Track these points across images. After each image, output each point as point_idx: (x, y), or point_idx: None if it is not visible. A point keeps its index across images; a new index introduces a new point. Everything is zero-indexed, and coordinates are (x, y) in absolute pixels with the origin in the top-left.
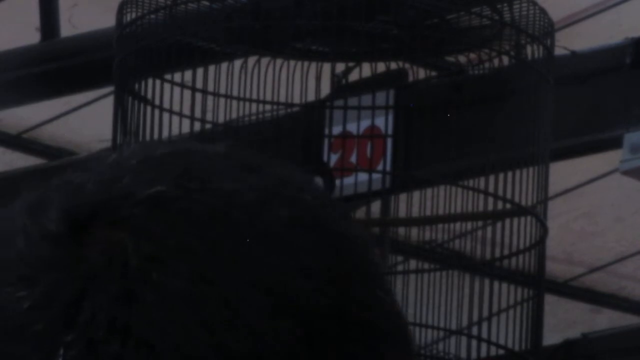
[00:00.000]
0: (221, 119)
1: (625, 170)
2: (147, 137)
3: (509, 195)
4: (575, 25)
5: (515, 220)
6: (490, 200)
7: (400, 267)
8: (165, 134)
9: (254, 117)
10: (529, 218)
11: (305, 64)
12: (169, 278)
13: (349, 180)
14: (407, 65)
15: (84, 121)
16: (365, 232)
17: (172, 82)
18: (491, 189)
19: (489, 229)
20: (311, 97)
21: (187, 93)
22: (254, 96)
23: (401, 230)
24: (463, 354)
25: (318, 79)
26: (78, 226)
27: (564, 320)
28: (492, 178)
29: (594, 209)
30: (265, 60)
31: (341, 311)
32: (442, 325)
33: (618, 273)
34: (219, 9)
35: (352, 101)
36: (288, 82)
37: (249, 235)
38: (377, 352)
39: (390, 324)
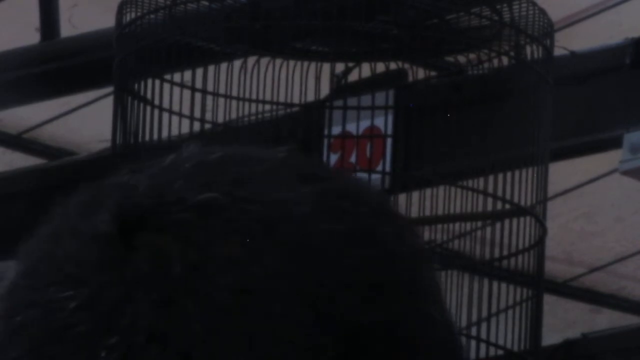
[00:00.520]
0: (221, 119)
1: (625, 170)
2: (147, 137)
3: (508, 196)
4: (575, 25)
5: (515, 220)
6: (490, 200)
7: None
8: (165, 134)
9: (253, 117)
10: (528, 218)
11: (305, 64)
12: (211, 288)
13: None
14: (407, 65)
15: (84, 121)
16: (424, 247)
17: (172, 82)
18: (491, 189)
19: (489, 229)
20: (311, 97)
21: (187, 93)
22: (254, 96)
23: None
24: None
25: (318, 79)
26: (128, 229)
27: (563, 320)
28: (491, 178)
29: (593, 209)
30: (264, 60)
31: (386, 329)
32: None
33: (618, 273)
34: (219, 9)
35: (352, 101)
36: (287, 82)
37: (296, 248)
38: None
39: (438, 344)
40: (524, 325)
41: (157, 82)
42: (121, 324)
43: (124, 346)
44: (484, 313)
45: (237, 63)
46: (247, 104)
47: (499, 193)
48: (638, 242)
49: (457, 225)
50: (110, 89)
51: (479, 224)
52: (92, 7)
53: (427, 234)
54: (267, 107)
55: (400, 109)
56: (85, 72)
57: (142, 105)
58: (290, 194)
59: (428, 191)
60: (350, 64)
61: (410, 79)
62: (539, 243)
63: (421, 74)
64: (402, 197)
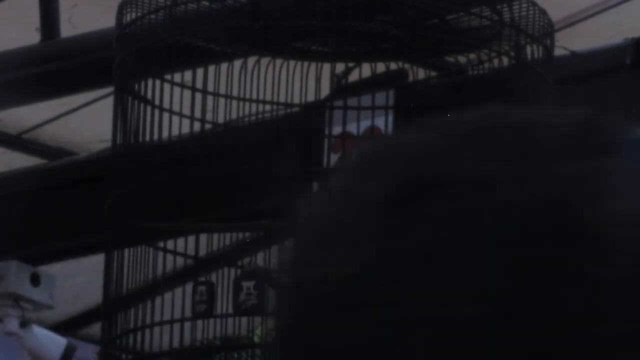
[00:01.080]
0: (221, 119)
1: None
2: (147, 137)
3: None
4: (575, 25)
5: None
6: None
7: None
8: (165, 134)
9: (254, 117)
10: None
11: (305, 64)
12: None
13: None
14: (407, 65)
15: (84, 121)
16: None
17: (172, 82)
18: None
19: None
20: (311, 97)
21: (187, 93)
22: (254, 96)
23: None
24: None
25: (318, 79)
26: (407, 197)
27: None
28: None
29: None
30: (265, 61)
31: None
32: None
33: None
34: (219, 9)
35: (352, 101)
36: (288, 82)
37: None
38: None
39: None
40: None
41: (158, 82)
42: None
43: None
44: None
45: (238, 63)
46: (247, 104)
47: None
48: None
49: None
50: (110, 89)
51: None
52: (92, 7)
53: None
54: (268, 107)
55: (401, 109)
56: (86, 72)
57: (142, 105)
58: (583, 168)
59: None
60: (351, 64)
61: (411, 79)
62: None
63: (421, 74)
64: None
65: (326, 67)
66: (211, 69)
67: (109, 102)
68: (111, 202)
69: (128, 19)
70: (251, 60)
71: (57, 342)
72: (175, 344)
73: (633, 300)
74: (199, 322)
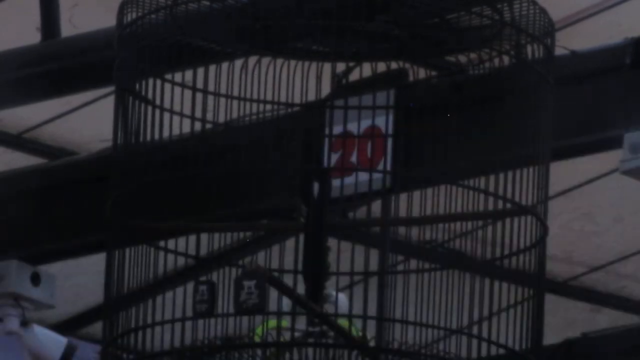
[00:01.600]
0: (221, 119)
1: (625, 170)
2: (148, 137)
3: (509, 195)
4: (575, 25)
5: (516, 219)
6: (490, 200)
7: (400, 267)
8: (165, 133)
9: (254, 117)
10: (529, 218)
11: (306, 63)
12: None
13: (349, 180)
14: (407, 65)
15: (85, 121)
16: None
17: (172, 82)
18: (491, 188)
19: (489, 228)
20: (311, 97)
21: (188, 93)
22: (255, 96)
23: (401, 230)
24: (463, 354)
25: (319, 78)
26: None
27: (564, 320)
28: (492, 178)
29: (593, 208)
30: (265, 60)
31: None
32: (442, 324)
33: (618, 273)
34: (219, 9)
35: (352, 101)
36: (288, 82)
37: None
38: None
39: None
40: (525, 324)
41: (158, 82)
42: None
43: None
44: (485, 312)
45: (238, 63)
46: (248, 104)
47: (500, 192)
48: (638, 242)
49: (458, 224)
50: (110, 89)
51: (480, 223)
52: (93, 7)
53: (428, 233)
54: (268, 107)
55: (401, 109)
56: (86, 72)
57: (143, 105)
58: None
59: (429, 190)
60: (351, 64)
61: (411, 79)
62: (540, 242)
63: (421, 74)
64: (402, 197)
65: (327, 67)
66: (212, 68)
67: (110, 102)
68: (111, 202)
69: (129, 19)
70: (252, 60)
71: (57, 342)
72: (177, 343)
73: None
74: (200, 322)
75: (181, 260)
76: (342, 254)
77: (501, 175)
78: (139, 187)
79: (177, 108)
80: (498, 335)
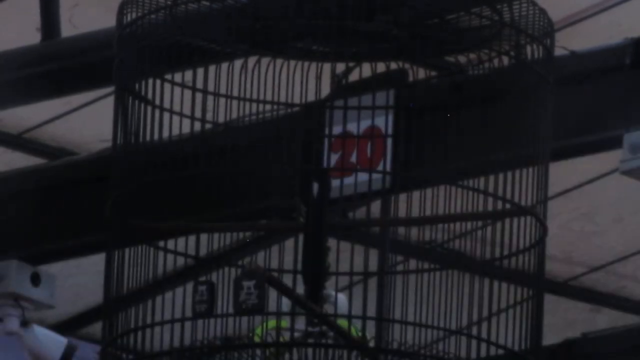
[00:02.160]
0: (221, 119)
1: (625, 170)
2: (148, 137)
3: (508, 195)
4: (575, 25)
5: (515, 220)
6: (490, 200)
7: (400, 267)
8: (165, 134)
9: (254, 117)
10: (528, 218)
11: (306, 64)
12: None
13: (349, 180)
14: (407, 65)
15: (84, 121)
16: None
17: (172, 82)
18: (491, 189)
19: (489, 229)
20: (311, 97)
21: (187, 93)
22: (254, 96)
23: (401, 230)
24: (463, 354)
25: (318, 78)
26: None
27: (563, 320)
28: (492, 178)
29: (593, 209)
30: (265, 60)
31: None
32: (442, 325)
33: (618, 273)
34: (219, 9)
35: (352, 101)
36: (288, 82)
37: None
38: None
39: None
40: (525, 324)
41: (158, 82)
42: None
43: None
44: (485, 313)
45: (238, 63)
46: (247, 104)
47: (500, 193)
48: (638, 242)
49: (457, 225)
50: (110, 89)
51: (479, 223)
52: (93, 7)
53: (427, 233)
54: (268, 107)
55: (401, 109)
56: (86, 72)
57: (142, 105)
58: None
59: (428, 191)
60: (351, 64)
61: (411, 79)
62: (540, 243)
63: (421, 74)
64: (402, 197)
65: (326, 67)
66: (211, 68)
67: (109, 102)
68: (111, 202)
69: (128, 19)
70: (252, 60)
71: (57, 342)
72: (176, 343)
73: None
74: (200, 322)
75: (181, 261)
76: (342, 254)
77: (501, 176)
78: (139, 187)
79: (177, 108)
80: (497, 336)
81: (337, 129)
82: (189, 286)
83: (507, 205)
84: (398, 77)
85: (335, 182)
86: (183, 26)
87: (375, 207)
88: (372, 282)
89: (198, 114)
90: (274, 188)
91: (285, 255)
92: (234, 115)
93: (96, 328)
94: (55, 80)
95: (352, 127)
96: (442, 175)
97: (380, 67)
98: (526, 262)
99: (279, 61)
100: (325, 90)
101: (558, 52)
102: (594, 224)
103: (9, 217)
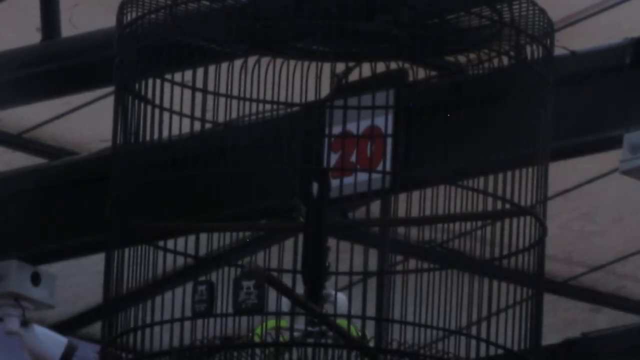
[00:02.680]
0: (221, 119)
1: (625, 170)
2: (148, 137)
3: (508, 195)
4: (575, 25)
5: (515, 220)
6: (490, 200)
7: (400, 267)
8: (165, 133)
9: (254, 117)
10: (528, 218)
11: (305, 63)
12: None
13: (348, 180)
14: (407, 65)
15: (85, 121)
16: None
17: (172, 82)
18: (491, 189)
19: (489, 229)
20: (311, 97)
21: (187, 93)
22: (254, 96)
23: (401, 230)
24: (462, 354)
25: (318, 78)
26: None
27: (563, 320)
28: (491, 178)
29: (593, 208)
30: (265, 60)
31: None
32: (441, 325)
33: (618, 273)
34: (219, 9)
35: (352, 101)
36: (288, 82)
37: None
38: None
39: None
40: (525, 324)
41: (158, 81)
42: None
43: None
44: (484, 313)
45: (238, 63)
46: (247, 104)
47: (499, 193)
48: (638, 242)
49: (457, 225)
50: (110, 89)
51: (479, 223)
52: (93, 7)
53: (427, 233)
54: (268, 107)
55: (401, 108)
56: (86, 72)
57: (142, 105)
58: None
59: (428, 191)
60: (351, 64)
61: (411, 79)
62: (539, 242)
63: (421, 74)
64: (402, 197)
65: (326, 67)
66: (211, 68)
67: (109, 102)
68: (111, 202)
69: (128, 18)
70: (251, 60)
71: (57, 342)
72: (176, 343)
73: None
74: (199, 322)
75: (181, 260)
76: (341, 254)
77: (500, 176)
78: (139, 187)
79: (176, 108)
80: (497, 336)
81: (337, 129)
82: (189, 286)
83: (507, 205)
84: (398, 77)
85: (335, 182)
86: (183, 26)
87: (375, 207)
88: (372, 282)
89: (198, 113)
90: (274, 188)
91: (285, 255)
92: (234, 115)
93: (96, 328)
94: (55, 80)
95: (352, 127)
96: (442, 175)
97: (380, 67)
98: (526, 262)
99: (278, 61)
100: (325, 90)
101: (558, 52)
102: (594, 224)
103: (9, 217)
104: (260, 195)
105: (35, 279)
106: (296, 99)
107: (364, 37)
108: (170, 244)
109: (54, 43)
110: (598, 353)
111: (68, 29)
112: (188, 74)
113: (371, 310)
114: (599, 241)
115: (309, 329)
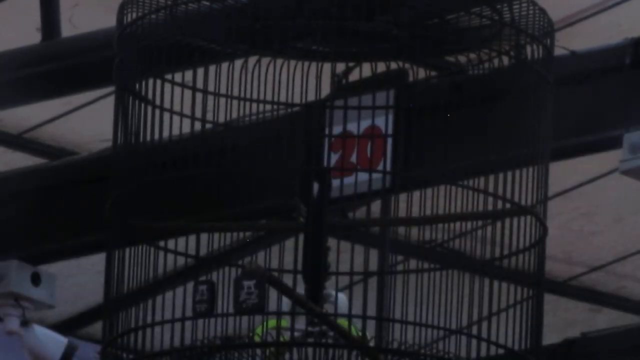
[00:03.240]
0: (221, 119)
1: (625, 170)
2: (148, 137)
3: (508, 195)
4: (575, 25)
5: (515, 219)
6: (490, 199)
7: (400, 267)
8: (165, 134)
9: (254, 117)
10: (528, 218)
11: (306, 64)
12: None
13: (349, 180)
14: (407, 65)
15: (84, 121)
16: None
17: (172, 82)
18: (491, 189)
19: (489, 228)
20: (311, 97)
21: (187, 93)
22: (254, 96)
23: (401, 230)
24: (463, 354)
25: (318, 78)
26: None
27: (563, 320)
28: (492, 178)
29: (593, 208)
30: (265, 60)
31: None
32: (442, 324)
33: (618, 273)
34: (219, 9)
35: (352, 101)
36: (288, 82)
37: None
38: None
39: None
40: (525, 324)
41: (158, 82)
42: None
43: None
44: (485, 312)
45: (238, 63)
46: (247, 104)
47: (500, 193)
48: (638, 242)
49: (457, 224)
50: (110, 89)
51: (480, 223)
52: (93, 7)
53: (427, 233)
54: (268, 107)
55: (401, 109)
56: (86, 72)
57: (143, 105)
58: None
59: (429, 191)
60: (351, 64)
61: (411, 79)
62: (540, 242)
63: (421, 74)
64: (402, 197)
65: (327, 67)
66: (212, 68)
67: (110, 102)
68: (111, 202)
69: (129, 19)
70: (252, 60)
71: (57, 342)
72: (176, 343)
73: None
74: (200, 322)
75: (181, 260)
76: (342, 254)
77: (501, 176)
78: (139, 187)
79: (177, 108)
80: (497, 335)
81: (337, 129)
82: (189, 286)
83: (507, 205)
84: (398, 77)
85: (335, 182)
86: (183, 26)
87: (375, 207)
88: (372, 282)
89: (198, 114)
90: (274, 188)
91: (285, 255)
92: (234, 115)
93: (96, 328)
94: (55, 80)
95: (352, 127)
96: (442, 175)
97: (380, 67)
98: (526, 262)
99: (279, 61)
100: (325, 90)
101: (558, 52)
102: (593, 223)
103: (9, 217)
104: (260, 195)
105: (35, 279)
106: (296, 99)
107: (364, 37)
108: (170, 244)
109: (54, 43)
110: (598, 353)
111: (68, 29)
112: (188, 74)
113: (372, 310)
114: (599, 241)
115: (310, 328)
